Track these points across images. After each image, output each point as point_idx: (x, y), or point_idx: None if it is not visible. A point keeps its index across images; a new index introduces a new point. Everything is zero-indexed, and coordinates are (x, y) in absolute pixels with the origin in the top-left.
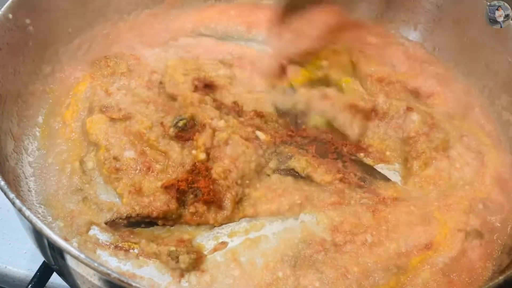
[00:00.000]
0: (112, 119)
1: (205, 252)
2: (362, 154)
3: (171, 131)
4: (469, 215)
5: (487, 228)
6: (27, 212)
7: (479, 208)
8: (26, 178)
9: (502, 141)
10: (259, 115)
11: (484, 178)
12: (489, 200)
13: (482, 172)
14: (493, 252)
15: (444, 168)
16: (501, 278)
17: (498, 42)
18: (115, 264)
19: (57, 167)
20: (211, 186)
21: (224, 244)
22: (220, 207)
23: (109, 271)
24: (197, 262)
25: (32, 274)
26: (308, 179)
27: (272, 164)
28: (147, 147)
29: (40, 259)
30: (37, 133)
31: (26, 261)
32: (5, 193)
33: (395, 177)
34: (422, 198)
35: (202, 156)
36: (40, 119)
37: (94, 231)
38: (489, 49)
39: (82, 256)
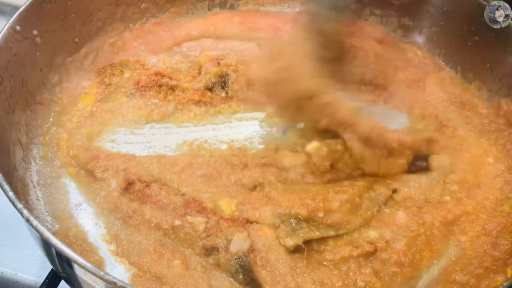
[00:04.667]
0: None
1: None
2: None
3: None
4: None
5: None
6: (35, 222)
7: None
8: (35, 187)
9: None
10: None
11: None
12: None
13: None
14: None
15: None
16: (505, 283)
17: (501, 44)
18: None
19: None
20: None
21: None
22: None
23: (115, 280)
24: None
25: (41, 280)
26: None
27: None
28: None
29: (49, 266)
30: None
31: (36, 268)
32: (13, 203)
33: None
34: None
35: None
36: (48, 128)
37: None
38: (494, 52)
39: (89, 265)
